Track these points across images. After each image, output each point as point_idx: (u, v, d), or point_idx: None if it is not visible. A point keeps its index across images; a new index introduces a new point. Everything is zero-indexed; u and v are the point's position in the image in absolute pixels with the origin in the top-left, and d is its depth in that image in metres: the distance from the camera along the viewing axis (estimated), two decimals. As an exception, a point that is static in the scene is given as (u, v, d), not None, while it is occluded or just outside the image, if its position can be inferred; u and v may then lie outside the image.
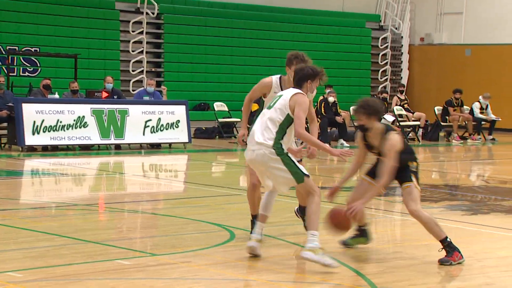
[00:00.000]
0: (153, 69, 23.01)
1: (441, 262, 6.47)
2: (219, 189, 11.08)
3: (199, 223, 8.05)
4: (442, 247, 6.51)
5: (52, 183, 11.84)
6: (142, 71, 22.45)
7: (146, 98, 18.10)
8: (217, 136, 20.93)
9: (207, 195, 10.52)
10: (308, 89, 6.34)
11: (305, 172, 6.19)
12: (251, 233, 6.84)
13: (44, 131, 15.64)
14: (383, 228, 6.87)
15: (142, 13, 22.75)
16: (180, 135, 17.49)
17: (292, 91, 6.29)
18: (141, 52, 22.55)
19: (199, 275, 5.97)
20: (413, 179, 6.49)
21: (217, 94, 22.95)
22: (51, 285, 5.46)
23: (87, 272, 5.85)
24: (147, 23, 22.73)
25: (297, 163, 6.19)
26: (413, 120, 22.37)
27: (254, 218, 6.96)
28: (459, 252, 6.52)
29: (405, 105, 22.93)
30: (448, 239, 6.52)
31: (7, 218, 8.18)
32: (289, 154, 6.17)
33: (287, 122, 6.16)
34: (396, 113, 21.90)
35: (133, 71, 22.35)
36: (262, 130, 6.16)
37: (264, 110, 6.37)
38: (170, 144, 17.48)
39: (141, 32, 22.59)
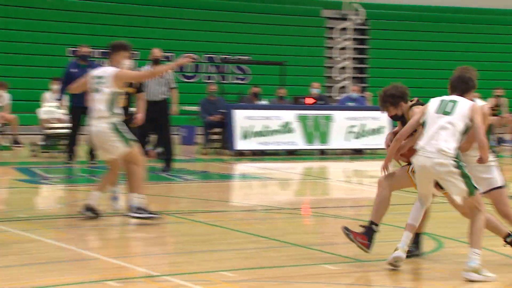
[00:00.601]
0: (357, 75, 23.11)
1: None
2: (425, 197, 10.89)
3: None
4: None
5: (259, 187, 12.30)
6: (347, 77, 22.64)
7: (350, 104, 18.23)
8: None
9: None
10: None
11: (476, 185, 6.01)
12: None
13: (252, 136, 16.29)
14: None
15: (347, 19, 22.95)
16: (384, 141, 17.39)
17: (468, 100, 6.15)
18: (346, 58, 22.75)
19: (404, 284, 5.94)
20: None
21: (421, 99, 22.54)
22: (263, 286, 5.68)
23: (296, 275, 6.02)
24: (353, 29, 22.91)
25: (472, 176, 6.00)
26: None
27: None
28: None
29: None
30: None
31: (219, 219, 8.64)
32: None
33: (466, 130, 6.02)
34: None
35: (337, 77, 22.60)
36: (442, 137, 6.01)
37: (437, 115, 6.20)
38: (373, 150, 17.45)
39: (346, 39, 22.79)
